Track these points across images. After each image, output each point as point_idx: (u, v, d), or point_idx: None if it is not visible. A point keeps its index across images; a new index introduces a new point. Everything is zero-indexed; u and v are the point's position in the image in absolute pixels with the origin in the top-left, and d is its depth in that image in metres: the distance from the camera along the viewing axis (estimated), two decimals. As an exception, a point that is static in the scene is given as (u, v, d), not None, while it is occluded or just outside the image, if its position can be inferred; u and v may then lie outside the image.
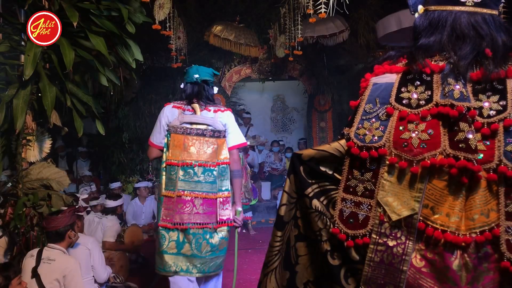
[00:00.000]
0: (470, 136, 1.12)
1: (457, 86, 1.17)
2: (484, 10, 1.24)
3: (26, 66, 2.66)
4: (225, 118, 2.91)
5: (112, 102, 6.84)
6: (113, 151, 7.17)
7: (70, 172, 6.99)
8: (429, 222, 1.14)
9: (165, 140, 2.87)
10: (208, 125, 2.85)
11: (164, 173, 2.85)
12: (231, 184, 2.93)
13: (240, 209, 2.94)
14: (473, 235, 1.10)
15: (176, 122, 2.85)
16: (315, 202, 1.29)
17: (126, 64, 3.26)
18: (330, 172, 1.33)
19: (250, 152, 7.34)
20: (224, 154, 2.88)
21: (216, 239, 2.81)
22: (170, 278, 2.83)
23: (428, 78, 1.22)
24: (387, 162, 1.20)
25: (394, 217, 1.16)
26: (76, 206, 3.24)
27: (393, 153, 1.19)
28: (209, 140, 2.84)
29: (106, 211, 4.44)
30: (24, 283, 2.39)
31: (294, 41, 5.81)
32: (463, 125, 1.14)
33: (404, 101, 1.23)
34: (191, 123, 2.85)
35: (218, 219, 2.80)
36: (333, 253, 1.25)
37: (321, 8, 3.85)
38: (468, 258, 1.10)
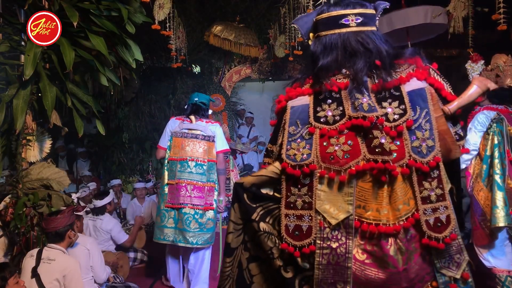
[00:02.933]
0: (383, 140, 1.33)
1: (364, 99, 1.36)
2: (365, 28, 1.44)
3: (26, 66, 2.66)
4: (213, 128, 3.74)
5: (112, 102, 6.84)
6: (113, 151, 7.17)
7: (70, 172, 7.00)
8: (363, 219, 1.33)
9: (168, 143, 3.73)
10: (200, 131, 3.71)
11: (166, 167, 3.73)
12: (217, 179, 3.74)
13: (221, 198, 3.77)
14: (401, 223, 1.31)
15: (177, 129, 3.72)
16: (262, 225, 1.42)
17: (126, 64, 3.26)
18: (271, 193, 1.48)
19: (237, 155, 7.39)
20: (213, 154, 3.70)
21: (204, 219, 3.60)
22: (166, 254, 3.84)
23: (337, 95, 1.41)
24: (318, 175, 1.36)
25: (333, 221, 1.32)
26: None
27: (322, 167, 1.36)
28: (201, 142, 3.69)
29: (96, 211, 4.41)
30: (21, 282, 2.38)
31: (294, 41, 5.81)
32: (376, 132, 1.33)
33: (322, 119, 1.40)
34: (188, 129, 3.72)
35: (205, 203, 3.60)
36: (286, 267, 1.37)
37: (321, 8, 3.85)
38: (400, 243, 1.30)
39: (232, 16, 7.28)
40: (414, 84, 1.39)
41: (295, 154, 1.40)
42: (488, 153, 3.16)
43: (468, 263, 1.35)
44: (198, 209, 3.58)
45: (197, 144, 3.69)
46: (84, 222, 4.38)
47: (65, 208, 2.87)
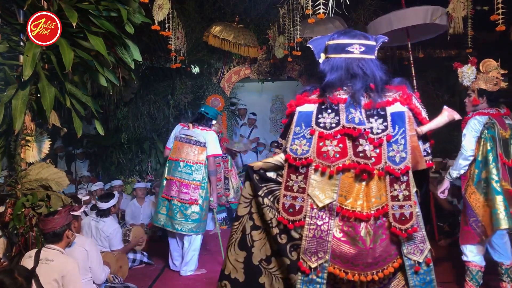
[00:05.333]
0: (366, 148, 1.71)
1: (356, 114, 1.74)
2: (366, 56, 1.81)
3: (25, 67, 2.66)
4: (206, 135, 4.36)
5: (111, 102, 6.83)
6: (112, 151, 7.16)
7: (69, 173, 6.99)
8: (343, 206, 1.70)
9: (171, 145, 4.48)
10: (194, 137, 4.37)
11: (167, 165, 4.48)
12: (208, 180, 4.38)
13: (212, 199, 4.46)
14: (372, 212, 1.68)
15: (178, 134, 4.45)
16: (266, 200, 1.82)
17: (125, 64, 3.26)
18: (274, 177, 1.87)
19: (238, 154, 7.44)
20: (201, 158, 4.32)
21: (188, 211, 4.27)
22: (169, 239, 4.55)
23: (336, 107, 1.77)
24: (313, 167, 1.74)
25: (320, 204, 1.71)
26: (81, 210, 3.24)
27: (317, 161, 1.74)
28: (193, 147, 4.35)
29: (100, 213, 4.40)
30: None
31: (293, 41, 5.82)
32: (362, 141, 1.72)
33: (321, 125, 1.77)
34: (185, 135, 4.40)
35: (190, 198, 4.26)
36: (280, 235, 1.76)
37: (320, 8, 3.86)
38: (369, 228, 1.67)
39: (231, 17, 7.28)
40: (396, 107, 1.75)
41: (297, 149, 1.77)
42: (480, 158, 3.23)
43: (429, 251, 1.71)
44: (184, 203, 4.25)
45: (190, 148, 4.34)
46: (87, 222, 4.39)
47: (61, 208, 2.86)
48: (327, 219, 1.70)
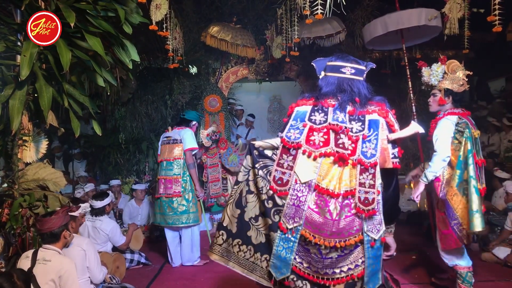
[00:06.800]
0: (345, 141, 2.13)
1: (341, 115, 2.18)
2: (356, 77, 2.25)
3: (22, 67, 2.65)
4: (182, 133, 4.80)
5: (109, 102, 6.82)
6: (109, 151, 7.15)
7: (66, 173, 6.98)
8: (319, 184, 2.10)
9: (160, 151, 5.01)
10: (172, 136, 4.86)
11: (159, 166, 4.96)
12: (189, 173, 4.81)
13: (196, 192, 4.83)
14: (342, 192, 2.07)
15: (161, 139, 5.04)
16: (260, 172, 2.26)
17: (123, 64, 3.26)
18: (270, 155, 2.29)
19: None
20: (178, 154, 4.76)
21: (175, 204, 4.69)
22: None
23: (326, 110, 2.23)
24: (301, 151, 2.17)
25: (303, 180, 2.13)
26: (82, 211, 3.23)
27: (305, 146, 2.17)
28: (171, 146, 4.81)
29: (94, 212, 4.39)
30: None
31: (290, 42, 5.83)
32: (342, 136, 2.15)
33: (312, 120, 2.22)
34: (166, 137, 4.96)
35: (173, 191, 4.69)
36: (268, 201, 2.19)
37: (317, 9, 3.87)
38: (337, 204, 2.07)
39: (229, 17, 7.27)
40: (374, 116, 2.18)
41: (291, 136, 2.21)
42: (461, 158, 3.20)
43: (384, 232, 2.08)
44: (169, 197, 4.68)
45: (169, 148, 4.81)
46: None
47: (59, 208, 2.86)
48: (306, 193, 2.12)
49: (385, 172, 2.14)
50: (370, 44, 5.68)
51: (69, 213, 2.92)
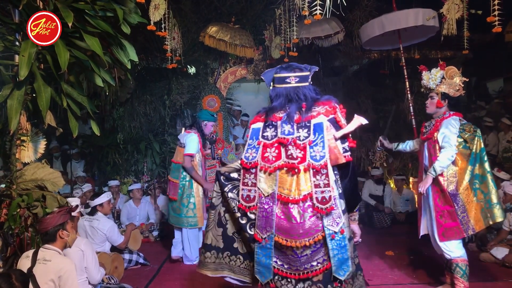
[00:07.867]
0: (293, 152, 2.34)
1: (287, 127, 2.38)
2: (301, 84, 2.45)
3: (21, 67, 2.65)
4: (186, 137, 4.85)
5: (107, 102, 6.82)
6: (107, 151, 7.14)
7: (64, 173, 6.96)
8: (281, 194, 2.32)
9: None
10: (180, 140, 4.95)
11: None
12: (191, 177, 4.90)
13: (201, 189, 4.90)
14: (301, 197, 2.28)
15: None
16: (230, 194, 2.50)
17: (121, 64, 3.25)
18: (236, 177, 2.54)
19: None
20: (180, 158, 4.84)
21: (175, 205, 4.87)
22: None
23: (275, 124, 2.43)
24: (259, 168, 2.40)
25: (266, 194, 2.37)
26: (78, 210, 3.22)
27: (261, 164, 2.39)
28: (179, 149, 4.91)
29: (92, 211, 4.39)
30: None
31: (289, 42, 5.83)
32: (290, 147, 2.36)
33: (265, 137, 2.44)
34: (178, 139, 5.03)
35: (172, 194, 4.86)
36: (242, 217, 2.45)
37: (316, 9, 3.87)
38: (299, 208, 2.28)
39: (228, 17, 7.27)
40: (319, 119, 2.36)
41: (248, 156, 2.44)
42: (474, 155, 3.49)
43: (343, 224, 2.27)
44: (172, 199, 4.88)
45: (177, 150, 4.97)
46: (80, 223, 4.36)
47: (57, 209, 2.85)
48: (271, 204, 2.34)
49: (339, 166, 2.35)
50: (367, 44, 5.69)
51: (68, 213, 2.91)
